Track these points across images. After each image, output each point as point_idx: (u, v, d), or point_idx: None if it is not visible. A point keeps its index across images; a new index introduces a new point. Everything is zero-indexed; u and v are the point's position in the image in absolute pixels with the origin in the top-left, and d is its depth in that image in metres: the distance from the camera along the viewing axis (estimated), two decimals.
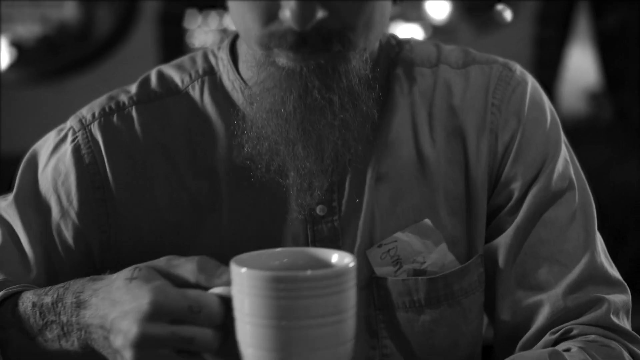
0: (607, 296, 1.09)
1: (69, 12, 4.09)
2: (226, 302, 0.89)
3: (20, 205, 1.13)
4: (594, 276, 1.10)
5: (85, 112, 1.15)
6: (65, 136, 1.14)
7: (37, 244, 1.12)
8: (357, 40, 1.01)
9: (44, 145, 1.16)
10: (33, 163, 1.15)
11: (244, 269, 0.87)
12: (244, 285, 0.86)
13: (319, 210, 1.11)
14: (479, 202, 1.13)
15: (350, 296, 0.87)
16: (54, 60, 4.04)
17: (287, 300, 0.84)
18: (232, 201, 1.12)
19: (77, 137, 1.13)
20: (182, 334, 0.89)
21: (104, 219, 1.12)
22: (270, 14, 1.00)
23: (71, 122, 1.15)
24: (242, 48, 1.14)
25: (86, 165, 1.12)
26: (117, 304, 0.92)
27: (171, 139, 1.13)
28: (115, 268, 1.10)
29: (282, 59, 1.02)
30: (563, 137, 1.16)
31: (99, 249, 1.13)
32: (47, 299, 0.98)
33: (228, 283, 0.90)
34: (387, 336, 1.13)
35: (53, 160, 1.13)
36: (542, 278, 1.10)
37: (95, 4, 4.12)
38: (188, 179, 1.12)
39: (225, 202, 1.12)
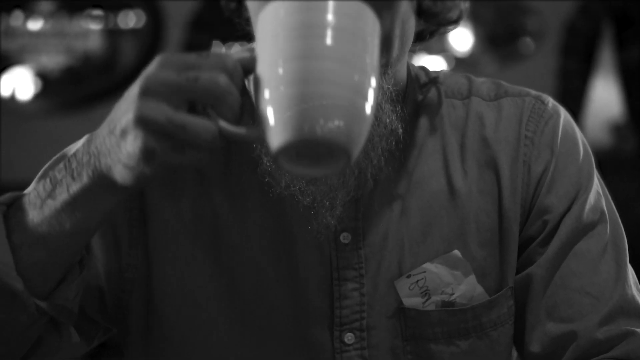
0: (638, 330, 1.08)
1: (94, 43, 4.13)
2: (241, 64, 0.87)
3: None
4: (626, 309, 1.09)
5: None
6: None
7: None
8: None
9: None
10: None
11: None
12: (270, 15, 0.85)
13: (343, 237, 1.10)
14: (512, 234, 1.12)
15: (369, 19, 0.86)
16: (79, 90, 4.08)
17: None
18: (252, 223, 1.11)
19: None
20: (191, 74, 0.84)
21: (135, 213, 1.10)
22: None
23: None
24: None
25: None
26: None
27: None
28: (139, 268, 1.10)
29: None
30: (595, 169, 1.16)
31: (127, 245, 1.11)
32: (59, 165, 0.94)
33: None
34: None
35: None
36: (573, 310, 1.09)
37: (120, 35, 4.15)
38: (213, 189, 1.11)
39: (246, 223, 1.11)
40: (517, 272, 1.13)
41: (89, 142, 0.92)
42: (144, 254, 1.11)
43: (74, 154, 0.93)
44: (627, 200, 3.80)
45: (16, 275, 0.94)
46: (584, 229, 1.11)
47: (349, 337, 1.10)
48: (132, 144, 0.85)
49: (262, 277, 1.10)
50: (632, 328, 1.08)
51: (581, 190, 1.12)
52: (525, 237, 1.13)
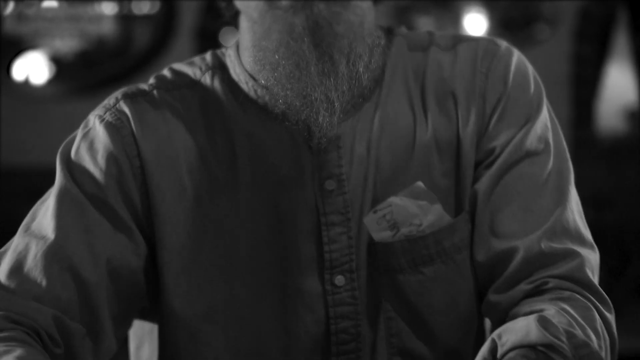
0: (581, 251, 1.12)
1: (107, 27, 4.14)
2: None
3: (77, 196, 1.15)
4: (568, 231, 1.14)
5: (105, 102, 1.20)
6: (93, 124, 1.18)
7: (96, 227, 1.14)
8: None
9: (72, 141, 1.19)
10: (65, 155, 1.18)
11: None
12: None
13: (328, 184, 1.16)
14: (469, 160, 1.18)
15: None
16: (92, 75, 4.08)
17: None
18: (247, 169, 1.17)
19: (105, 118, 1.17)
20: None
21: (144, 187, 1.16)
22: None
23: (92, 115, 1.20)
24: (243, 37, 1.20)
25: (122, 136, 1.16)
26: None
27: (192, 120, 1.19)
28: (156, 238, 1.16)
29: (285, 2, 1.10)
30: (547, 107, 1.22)
31: (144, 215, 1.16)
32: None
33: None
34: (388, 299, 1.16)
35: (85, 143, 1.17)
36: (517, 226, 1.14)
37: (133, 19, 4.16)
38: (208, 154, 1.17)
39: (242, 175, 1.17)
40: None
41: None
42: (157, 222, 1.17)
43: None
44: None
45: None
46: (527, 153, 1.17)
47: (339, 280, 1.15)
48: None
49: (255, 233, 1.16)
50: (575, 248, 1.12)
51: (529, 119, 1.18)
52: (475, 161, 1.19)
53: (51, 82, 4.12)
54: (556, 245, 1.12)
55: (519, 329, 1.00)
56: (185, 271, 1.16)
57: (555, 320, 1.01)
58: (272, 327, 1.16)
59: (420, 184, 1.16)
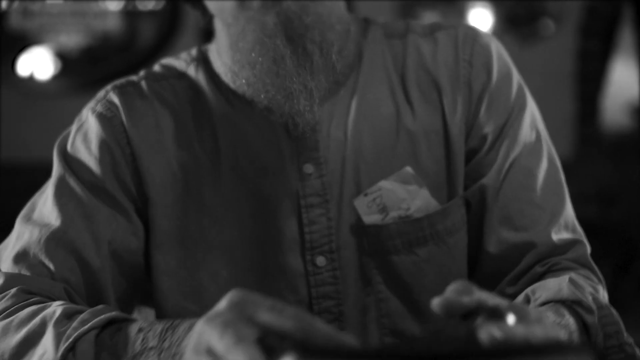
0: (581, 239, 1.20)
1: (113, 23, 4.14)
2: None
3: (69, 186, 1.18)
4: (568, 223, 1.21)
5: (97, 94, 1.27)
6: (86, 117, 1.24)
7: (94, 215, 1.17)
8: None
9: (68, 135, 1.24)
10: (62, 147, 1.23)
11: None
12: None
13: (306, 168, 1.19)
14: (459, 147, 1.21)
15: None
16: (97, 71, 4.09)
17: None
18: (230, 155, 1.20)
19: (96, 109, 1.23)
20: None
21: (137, 172, 1.20)
22: None
23: (85, 108, 1.25)
24: (220, 39, 1.24)
25: (113, 126, 1.21)
26: None
27: (179, 108, 1.24)
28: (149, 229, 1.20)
29: (255, 3, 1.13)
30: (528, 94, 1.26)
31: (139, 199, 1.20)
32: (158, 326, 0.96)
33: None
34: (380, 281, 1.20)
35: (80, 135, 1.22)
36: (527, 220, 1.19)
37: (139, 16, 4.16)
38: (194, 140, 1.22)
39: (225, 161, 1.20)
40: (469, 183, 1.24)
41: (188, 331, 0.92)
42: (150, 213, 1.21)
43: (173, 330, 0.94)
44: None
45: None
46: (525, 145, 1.22)
47: (320, 260, 1.20)
48: None
49: (239, 216, 1.20)
50: (578, 238, 1.20)
51: (516, 107, 1.23)
52: (467, 149, 1.23)
53: (56, 77, 4.13)
54: (564, 236, 1.19)
55: (552, 287, 1.08)
56: (173, 252, 1.20)
57: (581, 283, 1.10)
58: None
59: (408, 169, 1.20)
